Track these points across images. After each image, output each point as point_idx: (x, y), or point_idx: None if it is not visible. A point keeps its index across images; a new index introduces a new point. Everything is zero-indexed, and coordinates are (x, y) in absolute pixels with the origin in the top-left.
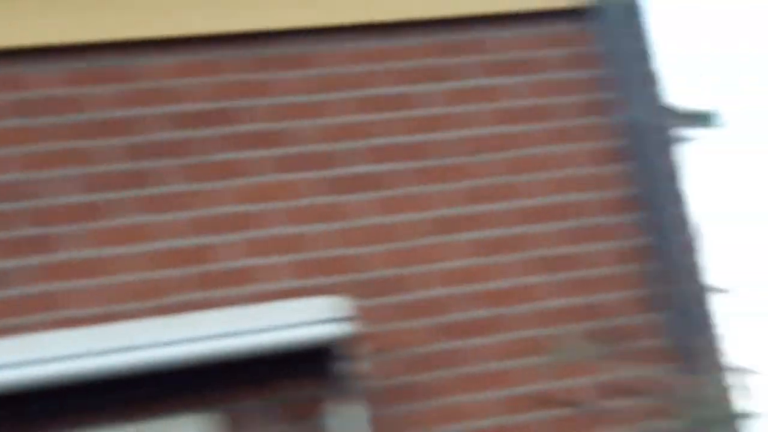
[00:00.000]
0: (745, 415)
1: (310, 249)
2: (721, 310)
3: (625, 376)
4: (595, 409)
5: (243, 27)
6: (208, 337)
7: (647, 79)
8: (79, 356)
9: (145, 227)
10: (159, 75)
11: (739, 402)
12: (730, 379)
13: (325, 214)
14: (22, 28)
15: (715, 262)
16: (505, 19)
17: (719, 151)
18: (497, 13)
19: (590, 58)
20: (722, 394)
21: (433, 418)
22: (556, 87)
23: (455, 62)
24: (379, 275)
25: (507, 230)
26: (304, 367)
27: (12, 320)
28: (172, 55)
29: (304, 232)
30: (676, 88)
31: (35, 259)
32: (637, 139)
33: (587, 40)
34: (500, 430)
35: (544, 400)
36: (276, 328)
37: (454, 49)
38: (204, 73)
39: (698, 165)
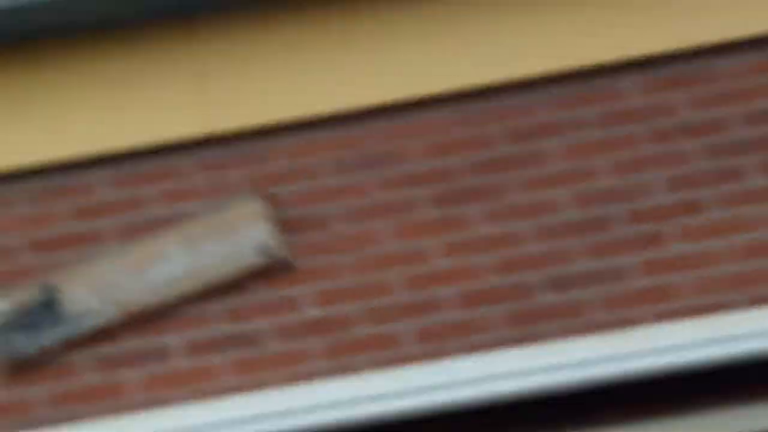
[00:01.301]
0: None
1: None
2: None
3: None
4: None
5: None
6: None
7: None
8: (685, 348)
9: (733, 221)
10: (734, 76)
11: None
12: None
13: None
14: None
15: None
16: None
17: None
18: None
19: None
20: None
21: None
22: None
23: None
24: None
25: None
26: None
27: (625, 313)
28: (743, 57)
29: None
30: None
31: (642, 255)
32: None
33: None
34: None
35: None
36: None
37: None
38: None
39: None
